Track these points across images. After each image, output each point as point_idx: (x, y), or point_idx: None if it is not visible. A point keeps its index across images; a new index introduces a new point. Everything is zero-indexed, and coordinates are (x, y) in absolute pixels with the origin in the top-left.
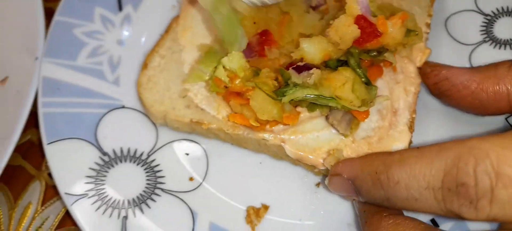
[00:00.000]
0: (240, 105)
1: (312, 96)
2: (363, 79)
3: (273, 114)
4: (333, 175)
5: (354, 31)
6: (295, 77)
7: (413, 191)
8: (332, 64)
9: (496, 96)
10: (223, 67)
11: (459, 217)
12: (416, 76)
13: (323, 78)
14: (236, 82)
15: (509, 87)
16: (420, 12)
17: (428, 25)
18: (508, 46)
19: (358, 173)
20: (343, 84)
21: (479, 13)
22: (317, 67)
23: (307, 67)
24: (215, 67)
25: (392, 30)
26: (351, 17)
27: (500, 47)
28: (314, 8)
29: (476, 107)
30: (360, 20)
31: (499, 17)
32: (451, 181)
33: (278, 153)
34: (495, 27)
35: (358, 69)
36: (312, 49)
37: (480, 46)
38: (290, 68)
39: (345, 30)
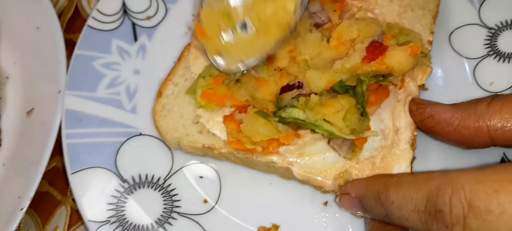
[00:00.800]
0: (237, 132)
1: (300, 119)
2: (360, 110)
3: (265, 136)
4: (343, 194)
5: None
6: (287, 99)
7: (404, 211)
8: (337, 88)
9: (477, 133)
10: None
11: None
12: (417, 95)
13: (318, 104)
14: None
15: (489, 124)
16: (422, 29)
17: (430, 43)
18: (511, 60)
19: (364, 192)
20: (337, 111)
21: (483, 26)
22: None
23: (299, 86)
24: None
25: (402, 60)
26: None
27: (504, 61)
28: (317, 26)
29: (460, 142)
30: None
31: (503, 30)
32: (432, 206)
33: (286, 174)
34: (499, 40)
35: (360, 99)
36: (317, 80)
37: (484, 60)
38: (284, 90)
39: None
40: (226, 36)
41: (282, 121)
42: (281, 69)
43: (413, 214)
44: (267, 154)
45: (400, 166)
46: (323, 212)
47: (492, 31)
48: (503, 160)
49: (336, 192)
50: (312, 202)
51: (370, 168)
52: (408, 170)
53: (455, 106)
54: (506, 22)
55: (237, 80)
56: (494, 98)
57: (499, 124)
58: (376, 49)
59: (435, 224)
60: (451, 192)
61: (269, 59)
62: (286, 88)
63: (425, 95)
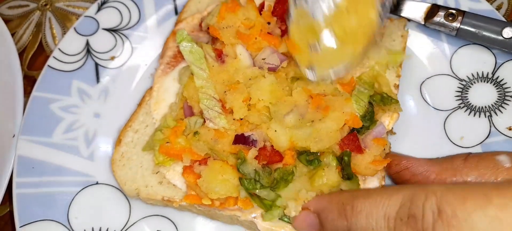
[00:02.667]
0: (195, 185)
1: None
2: (346, 176)
3: (222, 194)
4: (298, 214)
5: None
6: (250, 164)
7: (371, 219)
8: (303, 161)
9: None
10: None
11: None
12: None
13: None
14: (179, 141)
15: (466, 179)
16: (388, 73)
17: (397, 87)
18: (482, 114)
19: (326, 205)
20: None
21: (455, 78)
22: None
23: (253, 143)
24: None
25: (368, 169)
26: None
27: (474, 115)
28: (271, 70)
29: None
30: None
31: (474, 82)
32: (404, 212)
33: (250, 226)
34: (470, 93)
35: (347, 168)
36: (282, 137)
37: (454, 112)
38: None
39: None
40: (314, 49)
41: (247, 189)
42: (241, 119)
43: (382, 222)
44: (225, 208)
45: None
46: None
47: (463, 83)
48: None
49: None
50: None
51: None
52: None
53: (431, 160)
54: (478, 74)
55: (196, 133)
56: (470, 155)
57: (477, 180)
58: (351, 144)
59: (405, 229)
60: (424, 198)
61: (227, 109)
62: (241, 140)
63: (393, 139)
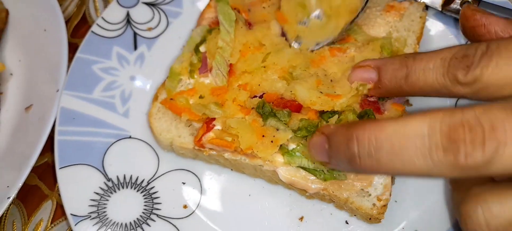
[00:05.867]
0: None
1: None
2: None
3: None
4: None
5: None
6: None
7: (430, 63)
8: (326, 118)
9: None
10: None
11: (455, 81)
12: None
13: None
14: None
15: None
16: (406, 49)
17: None
18: None
19: (388, 60)
20: None
21: None
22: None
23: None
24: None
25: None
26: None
27: None
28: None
29: None
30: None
31: None
32: (459, 53)
33: (272, 178)
34: None
35: None
36: (305, 94)
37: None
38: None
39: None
40: (302, 23)
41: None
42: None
43: (439, 62)
44: (250, 154)
45: (379, 179)
46: (298, 227)
47: None
48: None
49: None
50: (288, 217)
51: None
52: (388, 179)
53: (509, 20)
54: None
55: (200, 97)
56: None
57: None
58: (372, 105)
59: (458, 65)
60: (478, 44)
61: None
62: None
63: (409, 110)
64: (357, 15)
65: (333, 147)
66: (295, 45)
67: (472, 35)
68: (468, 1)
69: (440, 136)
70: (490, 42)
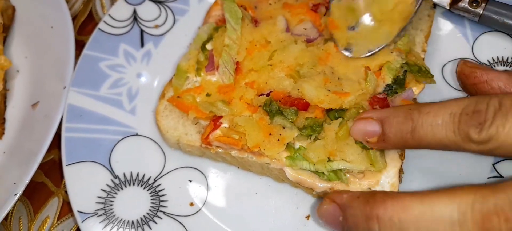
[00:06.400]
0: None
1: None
2: None
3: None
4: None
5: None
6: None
7: (438, 118)
8: (333, 116)
9: None
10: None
11: (467, 139)
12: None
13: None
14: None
15: None
16: (414, 48)
17: (422, 60)
18: None
19: (391, 112)
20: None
21: (476, 62)
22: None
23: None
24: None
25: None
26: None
27: None
28: (308, 41)
29: None
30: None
31: (494, 66)
32: (470, 108)
33: (279, 176)
34: None
35: None
36: (313, 92)
37: None
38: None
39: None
40: (352, 28)
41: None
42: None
43: (448, 118)
44: (257, 152)
45: (388, 173)
46: (304, 225)
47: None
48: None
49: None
50: (294, 215)
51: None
52: (396, 179)
53: (510, 73)
54: (498, 58)
55: (207, 94)
56: None
57: None
58: (381, 102)
59: (470, 122)
60: (489, 98)
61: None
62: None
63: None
64: (410, 20)
65: (349, 221)
66: (346, 53)
67: (475, 92)
68: (477, 0)
69: (472, 225)
70: (502, 97)
